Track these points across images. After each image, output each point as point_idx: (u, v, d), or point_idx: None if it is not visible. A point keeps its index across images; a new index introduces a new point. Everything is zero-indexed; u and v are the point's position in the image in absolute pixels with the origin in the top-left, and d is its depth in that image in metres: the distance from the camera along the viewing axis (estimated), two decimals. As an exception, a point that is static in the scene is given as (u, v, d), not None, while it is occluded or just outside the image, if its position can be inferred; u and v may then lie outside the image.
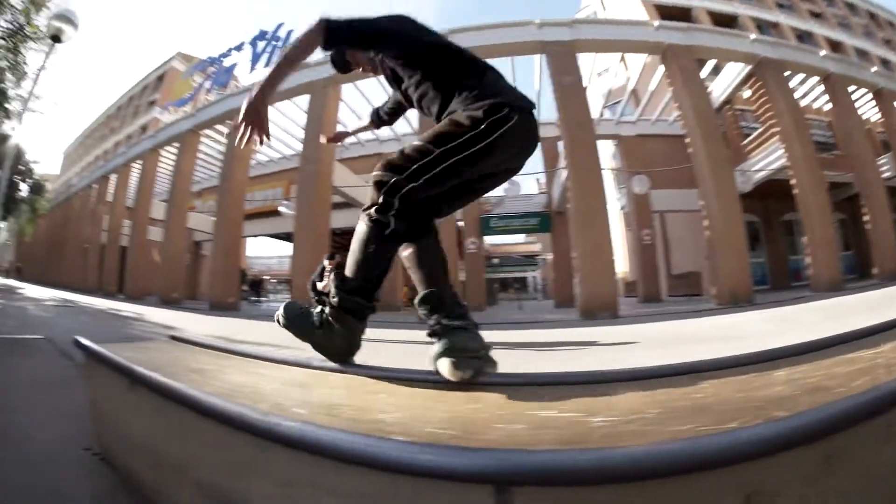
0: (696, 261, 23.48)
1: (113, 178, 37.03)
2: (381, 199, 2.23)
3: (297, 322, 2.48)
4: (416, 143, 2.26)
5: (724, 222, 16.24)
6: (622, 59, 24.03)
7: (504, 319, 15.32)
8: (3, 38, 11.89)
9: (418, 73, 2.52)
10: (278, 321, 2.50)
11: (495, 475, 1.04)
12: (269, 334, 10.34)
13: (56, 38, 9.54)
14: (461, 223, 24.93)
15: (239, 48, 27.14)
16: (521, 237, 56.51)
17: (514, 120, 2.20)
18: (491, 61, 2.51)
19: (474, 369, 2.07)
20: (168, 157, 31.35)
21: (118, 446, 2.43)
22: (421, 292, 2.33)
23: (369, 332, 2.51)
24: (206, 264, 37.01)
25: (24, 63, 12.74)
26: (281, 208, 22.07)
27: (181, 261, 27.24)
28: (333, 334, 2.41)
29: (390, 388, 2.08)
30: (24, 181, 31.98)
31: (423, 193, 2.22)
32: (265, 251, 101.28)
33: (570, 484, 1.02)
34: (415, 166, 2.19)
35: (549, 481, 1.03)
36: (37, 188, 38.60)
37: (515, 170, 2.55)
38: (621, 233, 29.72)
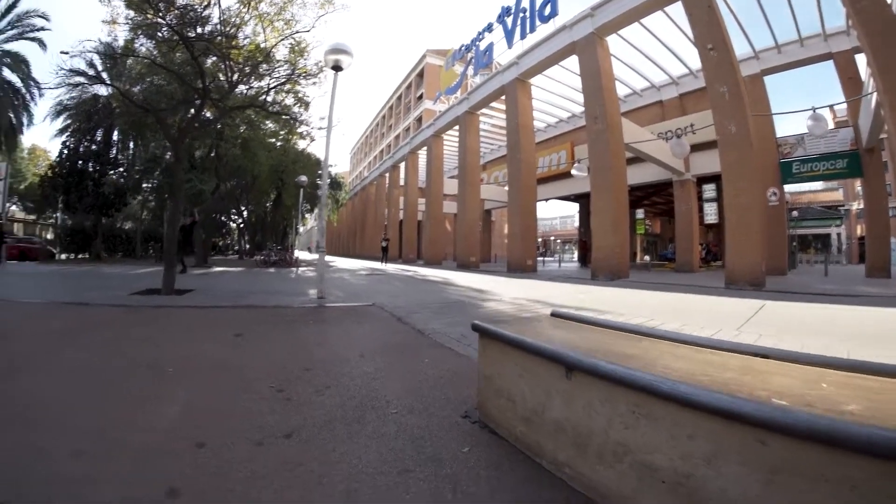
0: None
1: (402, 165, 42.03)
2: None
3: None
4: None
5: None
6: None
7: (807, 289, 13.07)
8: (282, 83, 13.66)
9: None
10: None
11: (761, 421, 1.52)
12: (576, 296, 10.54)
13: (337, 68, 10.72)
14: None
15: (489, 29, 28.00)
16: (817, 184, 43.05)
17: None
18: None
19: None
20: (450, 140, 34.41)
21: (506, 417, 2.76)
22: None
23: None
24: (496, 229, 39.70)
25: (306, 96, 14.49)
26: (574, 171, 21.80)
27: (476, 228, 28.85)
28: None
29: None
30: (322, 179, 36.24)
31: None
32: (546, 213, 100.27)
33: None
34: None
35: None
36: (336, 185, 43.95)
37: None
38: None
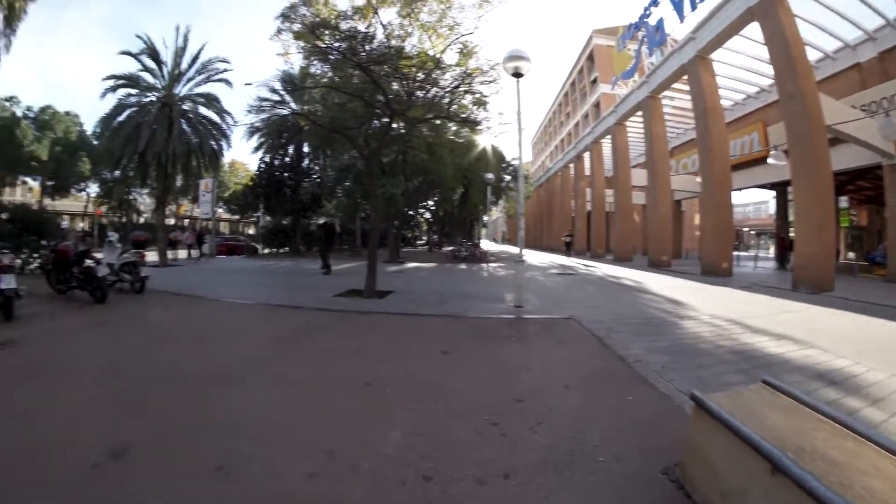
0: None
1: (585, 155, 41.15)
2: None
3: None
4: None
5: None
6: None
7: None
8: (457, 86, 13.82)
9: None
10: None
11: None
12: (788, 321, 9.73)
13: (517, 75, 10.76)
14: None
15: (655, 3, 26.18)
16: None
17: None
18: None
19: None
20: (632, 126, 32.42)
21: (704, 486, 2.86)
22: None
23: None
24: (686, 221, 37.41)
25: (485, 96, 14.66)
26: (771, 160, 19.62)
27: (667, 225, 27.00)
28: None
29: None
30: (506, 173, 37.00)
31: None
32: (737, 198, 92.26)
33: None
34: None
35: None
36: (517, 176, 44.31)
37: None
38: None
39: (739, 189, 27.23)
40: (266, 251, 38.64)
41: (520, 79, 10.98)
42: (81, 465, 3.33)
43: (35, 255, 15.55)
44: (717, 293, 14.25)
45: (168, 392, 5.06)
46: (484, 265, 26.42)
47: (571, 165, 46.31)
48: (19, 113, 51.06)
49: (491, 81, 13.91)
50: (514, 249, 48.28)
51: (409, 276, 18.81)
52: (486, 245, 46.40)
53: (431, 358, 6.50)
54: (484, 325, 8.95)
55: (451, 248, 37.63)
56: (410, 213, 46.44)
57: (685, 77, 23.19)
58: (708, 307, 10.96)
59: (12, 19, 17.76)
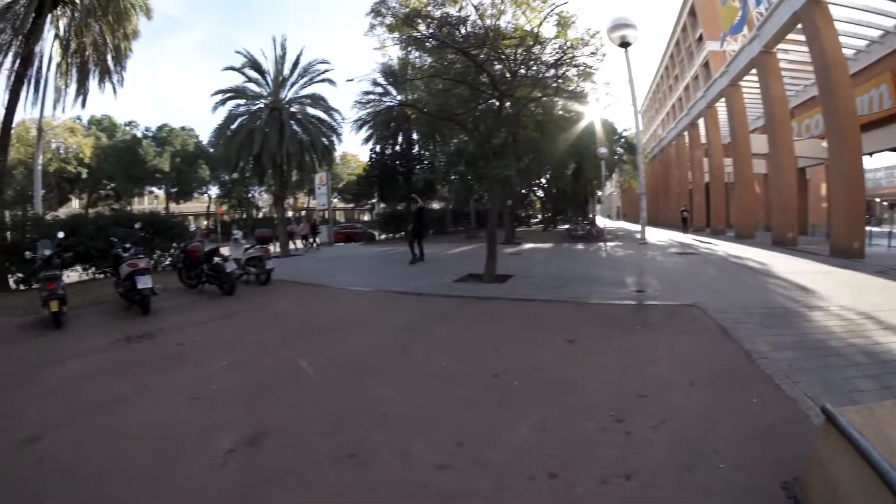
0: None
1: (699, 122, 38.97)
2: None
3: None
4: None
5: None
6: None
7: None
8: (560, 58, 13.65)
9: None
10: None
11: None
12: None
13: (625, 44, 10.43)
14: None
15: None
16: None
17: None
18: None
19: None
20: (747, 86, 28.55)
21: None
22: None
23: None
24: (812, 191, 32.53)
25: (590, 67, 14.38)
26: None
27: (792, 199, 23.81)
28: None
29: None
30: (618, 145, 36.54)
31: None
32: (866, 164, 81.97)
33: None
34: None
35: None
36: (632, 149, 42.84)
37: None
38: None
39: (869, 154, 23.35)
40: (382, 237, 40.10)
41: (627, 48, 10.61)
42: (217, 450, 3.73)
43: (165, 254, 17.32)
44: (847, 279, 12.71)
45: (299, 381, 5.53)
46: (601, 244, 26.08)
47: (685, 133, 43.84)
48: (139, 134, 58.84)
49: (593, 52, 13.73)
50: (631, 226, 47.42)
51: (526, 258, 19.01)
52: (601, 221, 45.56)
53: (557, 347, 6.62)
54: (606, 312, 8.96)
55: (566, 227, 37.37)
56: (523, 192, 46.48)
57: (800, 26, 19.86)
58: (838, 296, 9.96)
59: (120, 58, 20.53)
